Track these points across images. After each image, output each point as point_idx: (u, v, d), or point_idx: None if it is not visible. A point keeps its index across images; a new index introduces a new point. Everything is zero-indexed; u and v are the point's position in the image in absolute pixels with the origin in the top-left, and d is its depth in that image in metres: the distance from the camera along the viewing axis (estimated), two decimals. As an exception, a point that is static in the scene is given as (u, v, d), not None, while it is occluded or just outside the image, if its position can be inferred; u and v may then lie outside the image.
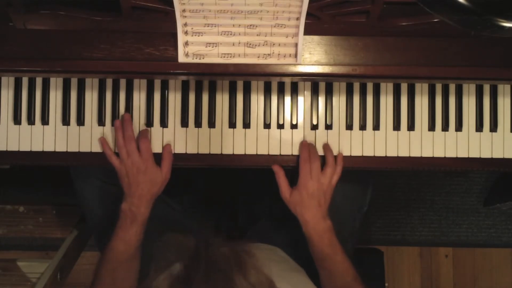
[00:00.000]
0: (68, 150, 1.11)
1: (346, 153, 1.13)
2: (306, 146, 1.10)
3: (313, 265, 1.15)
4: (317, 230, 1.08)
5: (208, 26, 0.99)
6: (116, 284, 1.07)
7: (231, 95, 1.12)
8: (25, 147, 1.11)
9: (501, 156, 1.13)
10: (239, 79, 1.11)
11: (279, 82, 1.12)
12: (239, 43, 1.01)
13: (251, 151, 1.12)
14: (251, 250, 0.84)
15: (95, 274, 1.09)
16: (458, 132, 1.14)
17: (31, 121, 1.11)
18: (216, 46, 1.01)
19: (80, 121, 1.11)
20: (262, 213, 1.37)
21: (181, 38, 0.99)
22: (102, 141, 1.09)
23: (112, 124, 1.11)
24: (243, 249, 0.84)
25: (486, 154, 1.13)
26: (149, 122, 1.12)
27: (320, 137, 1.13)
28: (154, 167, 1.07)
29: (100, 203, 1.24)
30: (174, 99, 1.12)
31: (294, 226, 1.27)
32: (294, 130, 1.13)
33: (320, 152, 1.12)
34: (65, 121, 1.11)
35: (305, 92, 1.13)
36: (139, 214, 1.07)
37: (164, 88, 1.12)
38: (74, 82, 1.12)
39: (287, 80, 1.11)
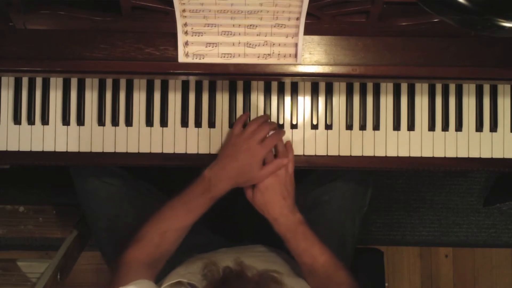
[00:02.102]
0: (68, 150, 1.11)
1: (346, 153, 1.13)
2: None
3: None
4: (288, 225, 1.04)
5: (208, 26, 0.99)
6: (160, 249, 1.03)
7: (231, 95, 1.12)
8: (25, 147, 1.11)
9: (501, 156, 1.13)
10: (239, 79, 1.11)
11: (279, 82, 1.12)
12: (239, 43, 1.01)
13: (251, 151, 1.12)
14: (279, 278, 0.83)
15: (142, 232, 1.04)
16: (458, 132, 1.14)
17: (31, 121, 1.11)
18: (216, 46, 1.01)
19: (80, 121, 1.11)
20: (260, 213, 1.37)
21: (181, 38, 0.99)
22: (247, 113, 1.10)
23: (112, 124, 1.11)
24: (272, 278, 0.83)
25: (486, 154, 1.13)
26: (149, 122, 1.12)
27: (320, 137, 1.13)
28: (260, 162, 1.03)
29: (100, 203, 1.24)
30: (174, 99, 1.12)
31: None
32: (294, 130, 1.13)
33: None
34: (65, 121, 1.11)
35: (305, 92, 1.13)
36: (214, 189, 1.03)
37: (164, 88, 1.12)
38: (74, 82, 1.12)
39: (287, 80, 1.11)
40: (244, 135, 1.04)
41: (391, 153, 1.13)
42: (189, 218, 1.05)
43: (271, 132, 1.07)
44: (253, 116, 1.12)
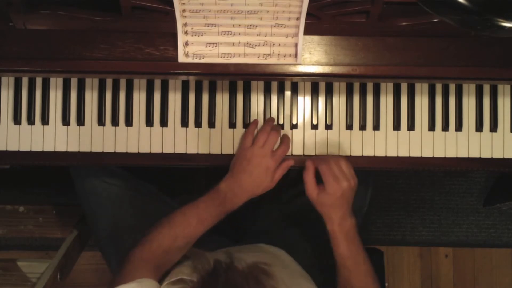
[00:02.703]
0: (68, 150, 1.12)
1: (346, 153, 1.13)
2: (320, 161, 1.06)
3: (310, 266, 1.14)
4: (343, 228, 1.04)
5: (208, 26, 0.99)
6: (168, 254, 1.03)
7: (231, 95, 1.12)
8: (25, 147, 1.11)
9: (501, 156, 1.14)
10: (239, 79, 1.11)
11: (279, 82, 1.12)
12: (239, 43, 1.01)
13: (251, 151, 1.12)
14: (269, 270, 0.84)
15: (152, 234, 1.04)
16: (458, 132, 1.14)
17: (31, 121, 1.11)
18: (216, 46, 1.01)
19: (80, 121, 1.11)
20: (261, 213, 1.37)
21: (181, 38, 0.99)
22: (256, 121, 1.11)
23: (112, 124, 1.11)
24: (262, 270, 0.83)
25: (486, 154, 1.13)
26: (149, 122, 1.12)
27: (320, 137, 1.13)
28: (273, 172, 1.06)
29: (100, 203, 1.24)
30: (174, 99, 1.12)
31: (293, 227, 1.26)
32: (294, 130, 1.13)
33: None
34: (65, 121, 1.11)
35: (305, 92, 1.13)
36: (229, 203, 1.05)
37: (164, 88, 1.12)
38: (74, 82, 1.12)
39: (287, 80, 1.11)
40: (255, 150, 1.05)
41: (391, 153, 1.13)
42: (200, 227, 1.06)
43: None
44: (253, 117, 1.12)
